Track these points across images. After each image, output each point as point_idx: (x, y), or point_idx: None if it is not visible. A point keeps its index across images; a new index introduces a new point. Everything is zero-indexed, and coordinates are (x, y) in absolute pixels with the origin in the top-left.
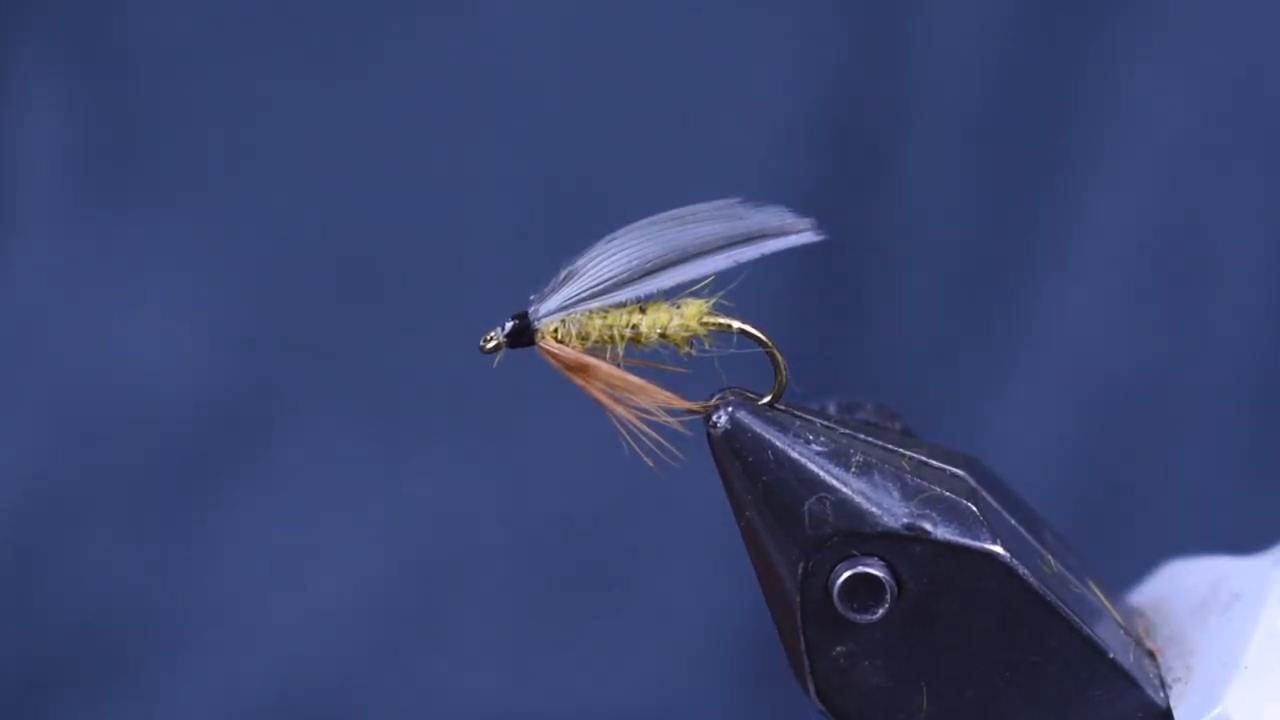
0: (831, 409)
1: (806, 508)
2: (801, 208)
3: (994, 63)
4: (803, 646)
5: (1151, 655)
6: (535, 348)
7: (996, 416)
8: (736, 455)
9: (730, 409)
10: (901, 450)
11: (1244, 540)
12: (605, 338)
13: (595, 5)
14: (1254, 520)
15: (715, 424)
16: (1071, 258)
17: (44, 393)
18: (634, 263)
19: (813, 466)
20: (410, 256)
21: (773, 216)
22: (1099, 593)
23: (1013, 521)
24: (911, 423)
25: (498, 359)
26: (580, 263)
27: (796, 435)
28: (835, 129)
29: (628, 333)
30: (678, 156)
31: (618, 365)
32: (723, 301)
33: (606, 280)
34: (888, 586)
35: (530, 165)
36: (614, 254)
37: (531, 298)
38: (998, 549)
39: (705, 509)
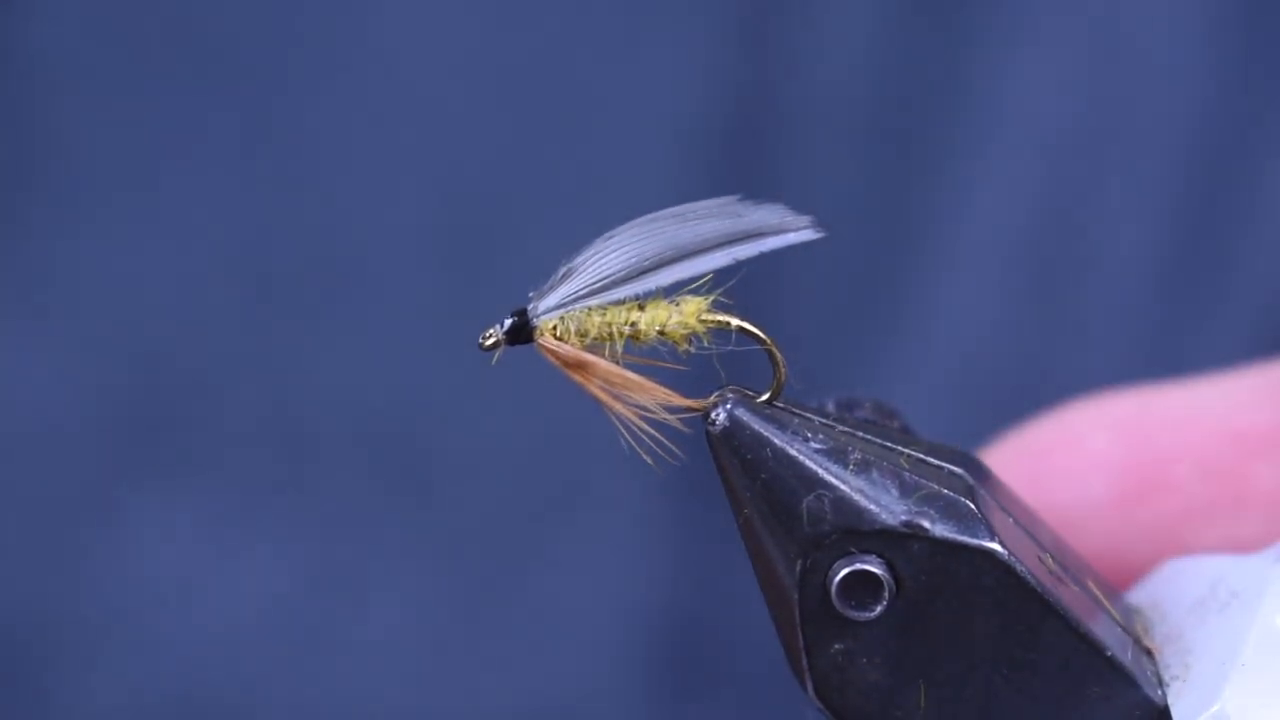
0: (830, 406)
1: (805, 505)
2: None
3: (879, 61)
4: (801, 644)
5: (1149, 653)
6: (534, 344)
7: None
8: (735, 453)
9: (729, 406)
10: (900, 448)
11: None
12: (604, 335)
13: (494, 18)
14: None
15: (714, 421)
16: (957, 246)
17: None
18: (633, 260)
19: (811, 464)
20: (308, 276)
21: (771, 214)
22: (1097, 591)
23: (1011, 519)
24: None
25: (496, 356)
26: (579, 260)
27: (795, 433)
28: (728, 128)
29: (627, 330)
30: (575, 162)
31: (617, 362)
32: (721, 299)
33: (605, 277)
34: (886, 584)
35: (433, 184)
36: (613, 251)
37: (530, 294)
38: (996, 546)
39: (613, 512)
